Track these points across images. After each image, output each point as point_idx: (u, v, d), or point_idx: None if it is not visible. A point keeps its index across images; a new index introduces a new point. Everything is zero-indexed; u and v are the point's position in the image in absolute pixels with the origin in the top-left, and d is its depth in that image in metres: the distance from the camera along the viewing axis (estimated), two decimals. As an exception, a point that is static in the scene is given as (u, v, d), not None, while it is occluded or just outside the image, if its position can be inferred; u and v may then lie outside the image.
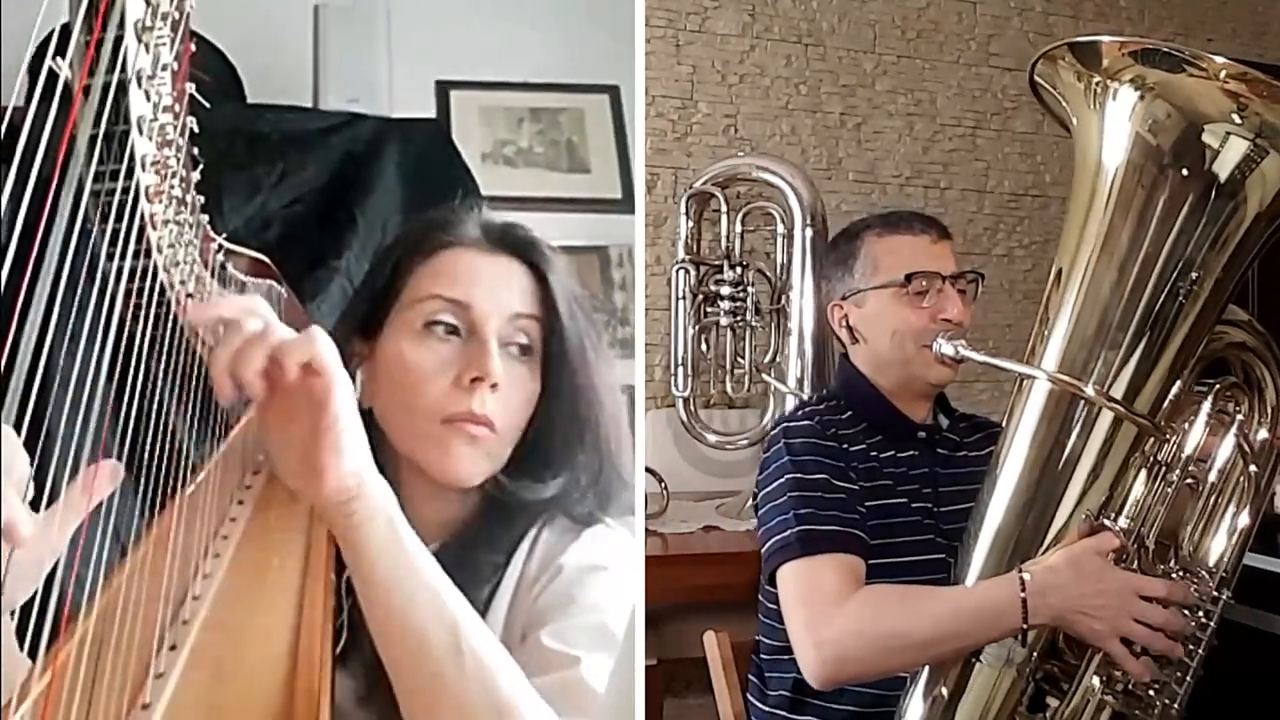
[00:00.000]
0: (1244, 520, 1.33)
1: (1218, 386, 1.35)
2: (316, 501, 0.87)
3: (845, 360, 1.62)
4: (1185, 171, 1.24)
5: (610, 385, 1.17)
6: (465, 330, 1.10)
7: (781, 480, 1.46)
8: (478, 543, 1.09)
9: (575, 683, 0.95)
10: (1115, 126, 1.27)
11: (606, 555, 1.06)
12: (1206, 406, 1.32)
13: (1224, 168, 1.22)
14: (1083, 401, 1.27)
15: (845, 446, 1.48)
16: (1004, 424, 1.36)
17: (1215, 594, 1.30)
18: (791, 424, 1.52)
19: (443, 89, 1.92)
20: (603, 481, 1.12)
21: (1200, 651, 1.27)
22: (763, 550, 1.45)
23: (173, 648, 0.94)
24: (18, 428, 0.71)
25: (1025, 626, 1.24)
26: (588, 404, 1.14)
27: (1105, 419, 1.27)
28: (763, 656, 1.55)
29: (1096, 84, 1.29)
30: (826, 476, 1.44)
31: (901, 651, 1.31)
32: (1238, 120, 1.21)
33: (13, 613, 0.79)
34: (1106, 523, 1.27)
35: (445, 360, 1.09)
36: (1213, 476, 1.34)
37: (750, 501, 1.56)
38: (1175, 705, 1.27)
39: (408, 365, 1.10)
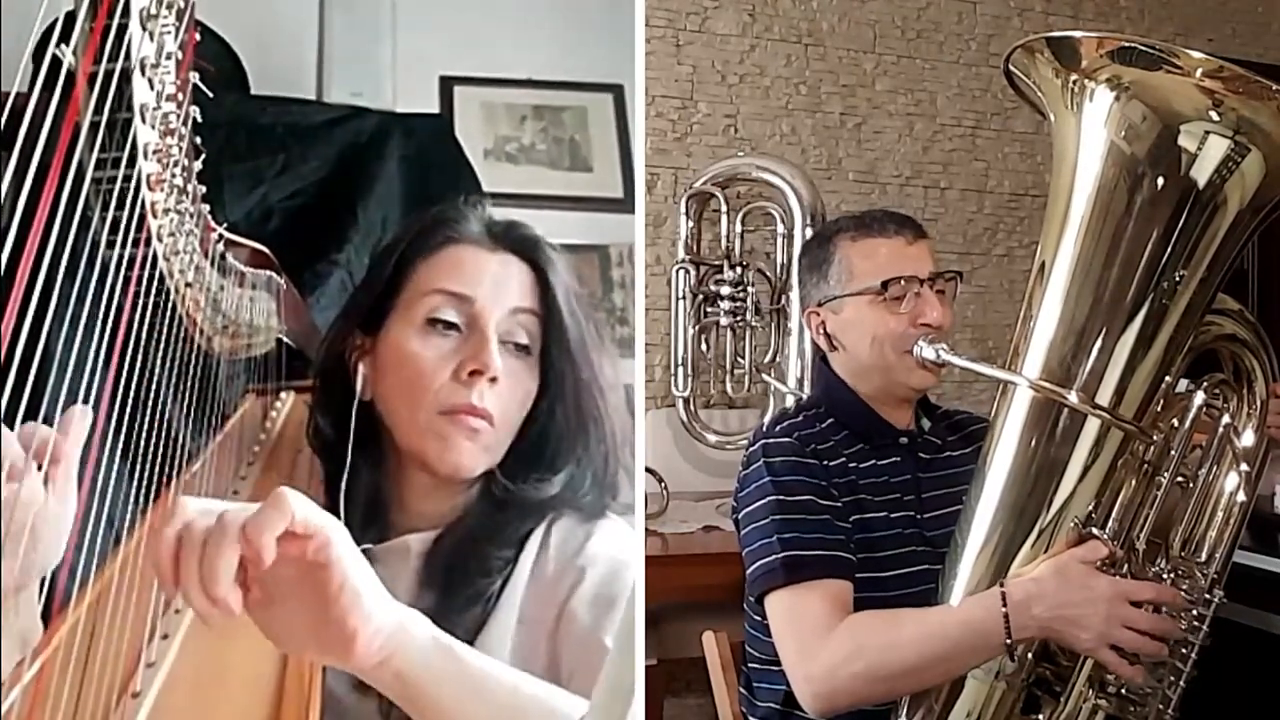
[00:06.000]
0: (1234, 518, 1.32)
1: (1205, 383, 1.33)
2: (351, 668, 0.75)
3: (824, 366, 1.58)
4: (1162, 178, 1.22)
5: (613, 382, 1.18)
6: (466, 324, 1.12)
7: (764, 501, 1.42)
8: (479, 535, 1.09)
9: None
10: (1092, 131, 1.26)
11: (625, 548, 1.08)
12: (1195, 404, 1.29)
13: (1203, 168, 1.21)
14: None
15: (825, 463, 1.45)
16: (990, 426, 1.34)
17: (1207, 594, 1.29)
18: (771, 441, 1.47)
19: (446, 84, 1.92)
20: (609, 477, 1.14)
21: (1193, 654, 1.26)
22: (747, 571, 1.43)
23: (165, 636, 0.94)
24: (15, 413, 0.71)
25: (1009, 642, 1.22)
26: (590, 400, 1.15)
27: (1092, 422, 1.25)
28: (750, 667, 1.53)
29: (1074, 83, 1.27)
30: (810, 497, 1.41)
31: (889, 680, 1.29)
32: (1215, 118, 1.20)
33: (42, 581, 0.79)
34: (1095, 531, 1.25)
35: (446, 353, 1.11)
36: (1202, 475, 1.33)
37: (732, 515, 1.54)
38: (1168, 707, 1.26)
39: (410, 359, 1.11)
